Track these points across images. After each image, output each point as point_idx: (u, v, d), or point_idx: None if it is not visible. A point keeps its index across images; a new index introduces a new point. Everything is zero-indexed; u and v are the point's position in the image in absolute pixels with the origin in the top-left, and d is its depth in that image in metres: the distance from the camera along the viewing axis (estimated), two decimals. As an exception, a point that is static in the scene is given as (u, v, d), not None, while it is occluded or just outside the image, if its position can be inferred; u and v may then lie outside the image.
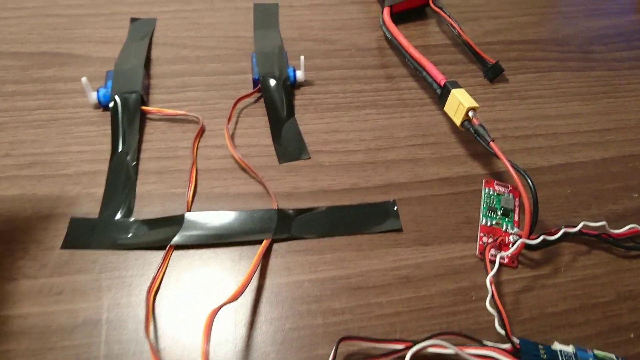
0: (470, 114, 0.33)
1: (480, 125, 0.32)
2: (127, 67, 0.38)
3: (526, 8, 0.45)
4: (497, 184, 0.34)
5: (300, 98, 0.38)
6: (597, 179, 0.35)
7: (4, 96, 0.37)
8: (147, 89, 0.38)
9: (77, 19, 0.43)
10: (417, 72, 0.38)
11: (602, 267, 0.31)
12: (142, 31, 0.42)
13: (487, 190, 0.34)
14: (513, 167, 0.30)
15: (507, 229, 0.32)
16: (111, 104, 0.36)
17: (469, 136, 0.35)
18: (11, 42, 0.41)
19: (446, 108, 0.35)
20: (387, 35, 0.40)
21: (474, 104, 0.33)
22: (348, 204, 0.33)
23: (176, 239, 0.30)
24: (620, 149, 0.36)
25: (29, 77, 0.39)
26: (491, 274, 0.28)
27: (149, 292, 0.28)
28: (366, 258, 0.30)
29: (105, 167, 0.34)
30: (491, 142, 0.31)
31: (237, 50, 0.41)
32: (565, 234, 0.30)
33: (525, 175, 0.30)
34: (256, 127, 0.37)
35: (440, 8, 0.41)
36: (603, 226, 0.30)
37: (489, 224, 0.32)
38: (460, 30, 0.40)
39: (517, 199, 0.33)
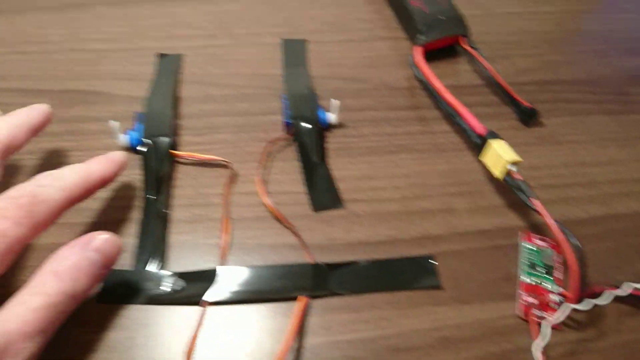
0: (512, 168, 0.32)
1: (523, 181, 0.31)
2: (157, 109, 0.37)
3: (559, 46, 0.45)
4: (536, 238, 0.33)
5: (332, 141, 0.38)
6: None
7: (30, 137, 0.37)
8: (176, 130, 0.37)
9: (103, 55, 0.42)
10: (452, 118, 0.37)
11: (650, 330, 0.30)
12: (170, 68, 0.41)
13: (525, 245, 0.33)
14: (559, 227, 0.29)
15: (548, 287, 0.31)
16: (142, 148, 0.35)
17: (506, 185, 0.34)
18: (35, 79, 0.40)
19: (484, 158, 0.34)
20: (419, 77, 0.39)
21: (516, 158, 0.32)
22: (385, 258, 0.32)
23: (210, 295, 0.30)
24: (661, 200, 0.36)
25: (55, 117, 0.37)
26: (542, 343, 0.27)
27: (188, 355, 0.27)
28: (405, 317, 0.30)
29: (136, 214, 0.33)
30: (534, 200, 0.31)
31: (266, 90, 0.40)
32: (614, 297, 0.29)
33: (571, 236, 0.29)
34: (288, 173, 0.36)
35: (473, 47, 0.40)
36: (651, 287, 0.30)
37: (529, 281, 0.31)
38: (494, 72, 0.39)
39: (558, 254, 0.32)
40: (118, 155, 0.31)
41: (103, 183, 0.30)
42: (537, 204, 0.30)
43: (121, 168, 0.31)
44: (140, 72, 0.41)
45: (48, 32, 0.44)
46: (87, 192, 0.29)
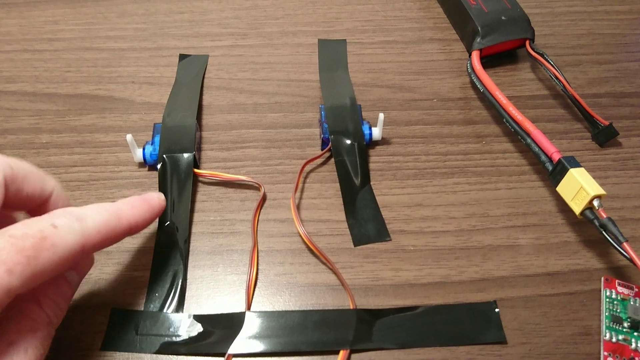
0: (596, 202, 0.27)
1: (609, 219, 0.26)
2: (177, 120, 0.32)
3: (636, 52, 0.39)
4: (619, 284, 0.28)
5: (376, 160, 0.33)
6: None
7: (37, 148, 0.33)
8: (199, 144, 0.33)
9: (119, 54, 0.38)
10: (516, 135, 0.32)
11: None
12: (193, 71, 0.37)
13: (608, 293, 0.28)
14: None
15: (637, 346, 0.26)
16: (159, 166, 0.31)
17: (582, 217, 0.29)
18: (46, 81, 0.36)
19: (560, 189, 0.29)
20: (479, 86, 0.34)
21: (601, 191, 0.27)
22: (440, 304, 0.27)
23: (236, 347, 0.25)
24: None
25: (66, 126, 0.34)
26: None
27: None
28: (464, 379, 0.25)
29: (151, 242, 0.29)
30: (624, 244, 0.25)
31: (301, 98, 0.36)
32: None
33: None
34: (326, 197, 0.31)
35: (542, 54, 0.35)
36: None
37: (614, 339, 0.26)
38: (566, 83, 0.34)
39: (646, 306, 0.27)
40: (156, 199, 0.26)
41: (132, 231, 0.24)
42: (627, 249, 0.25)
43: (157, 214, 0.26)
44: (160, 75, 0.37)
45: (61, 28, 0.39)
46: (110, 240, 0.23)
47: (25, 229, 0.20)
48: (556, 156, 0.29)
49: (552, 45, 0.39)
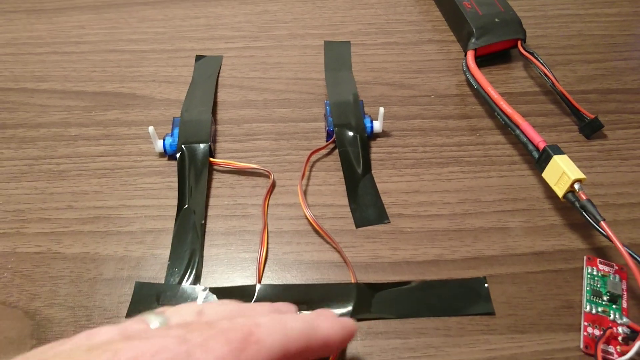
0: (576, 186, 0.29)
1: (589, 200, 0.29)
2: (194, 114, 0.35)
3: (624, 51, 0.41)
4: (600, 262, 0.30)
5: (376, 151, 0.35)
6: None
7: (67, 140, 0.36)
8: (214, 136, 0.36)
9: (141, 56, 0.41)
10: (507, 128, 0.34)
11: None
12: (208, 70, 0.40)
13: (589, 270, 0.30)
14: (629, 253, 0.26)
15: (615, 318, 0.28)
16: (178, 155, 0.33)
17: (566, 202, 0.31)
18: (74, 80, 0.39)
19: (545, 175, 0.31)
20: (473, 83, 0.37)
21: (581, 175, 0.29)
22: (434, 280, 0.30)
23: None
24: None
25: (92, 120, 0.37)
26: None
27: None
28: (455, 345, 0.27)
29: (170, 224, 0.32)
30: (602, 222, 0.28)
31: (308, 95, 0.38)
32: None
33: (646, 266, 0.26)
34: (330, 184, 0.34)
35: (532, 54, 0.38)
36: None
37: (593, 311, 0.28)
38: (554, 80, 0.36)
39: (625, 281, 0.30)
40: (350, 324, 0.23)
41: (326, 347, 0.22)
42: (605, 228, 0.28)
43: (349, 339, 0.23)
44: (178, 74, 0.40)
45: (87, 32, 0.43)
46: (305, 351, 0.21)
47: (231, 324, 0.20)
48: (541, 145, 0.32)
49: (544, 45, 0.42)
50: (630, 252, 0.27)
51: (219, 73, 0.40)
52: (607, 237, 0.27)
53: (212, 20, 0.44)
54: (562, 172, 0.30)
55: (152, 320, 0.21)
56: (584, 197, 0.29)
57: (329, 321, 0.22)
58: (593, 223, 0.28)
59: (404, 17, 0.44)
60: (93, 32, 0.43)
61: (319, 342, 0.22)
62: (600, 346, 0.27)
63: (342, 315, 0.28)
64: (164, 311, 0.22)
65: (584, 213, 0.29)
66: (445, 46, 0.42)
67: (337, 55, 0.41)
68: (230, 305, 0.23)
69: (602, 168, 0.35)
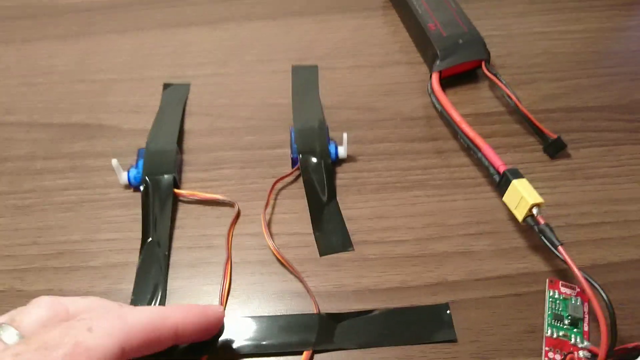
0: (535, 210, 0.29)
1: (547, 225, 0.29)
2: (160, 145, 0.36)
3: (589, 68, 0.42)
4: (562, 285, 0.30)
5: (342, 177, 0.36)
6: (678, 280, 0.31)
7: (32, 174, 0.36)
8: (179, 166, 0.36)
9: (108, 85, 0.41)
10: (471, 151, 0.34)
11: (690, 393, 0.27)
12: (175, 98, 0.40)
13: (551, 293, 0.30)
14: (585, 278, 0.27)
15: (576, 342, 0.28)
16: (142, 187, 0.33)
17: (530, 225, 0.32)
18: (41, 112, 0.39)
19: (505, 199, 0.31)
20: (437, 106, 0.37)
21: (539, 200, 0.29)
22: (396, 307, 0.30)
23: (208, 351, 0.28)
24: (703, 242, 0.32)
25: (59, 152, 0.37)
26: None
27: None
28: (417, 375, 0.27)
29: (135, 257, 0.32)
30: (559, 247, 0.28)
31: (274, 121, 0.39)
32: (646, 356, 0.26)
33: (601, 291, 0.26)
34: (295, 212, 0.34)
35: (495, 75, 0.38)
36: (691, 346, 0.26)
37: (554, 335, 0.29)
38: (517, 101, 0.37)
39: (586, 304, 0.30)
40: (214, 310, 0.25)
41: (180, 336, 0.23)
42: (561, 251, 0.28)
43: (213, 325, 0.25)
44: (146, 104, 0.40)
45: (56, 62, 0.43)
46: (154, 342, 0.22)
47: (60, 337, 0.20)
48: (502, 168, 0.32)
49: (509, 64, 0.42)
50: (586, 276, 0.27)
51: (186, 101, 0.40)
52: (565, 262, 0.28)
53: (180, 47, 0.44)
54: (521, 197, 0.30)
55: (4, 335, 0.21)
56: (542, 222, 0.29)
57: (181, 309, 0.24)
58: (551, 247, 0.28)
59: (371, 39, 0.44)
60: (62, 62, 0.43)
61: (168, 331, 0.23)
62: (560, 372, 0.27)
63: (303, 345, 0.28)
64: (15, 319, 0.22)
65: (542, 237, 0.29)
66: (413, 67, 0.42)
67: (304, 80, 0.41)
68: (86, 302, 0.23)
69: (566, 188, 0.35)
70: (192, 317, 0.24)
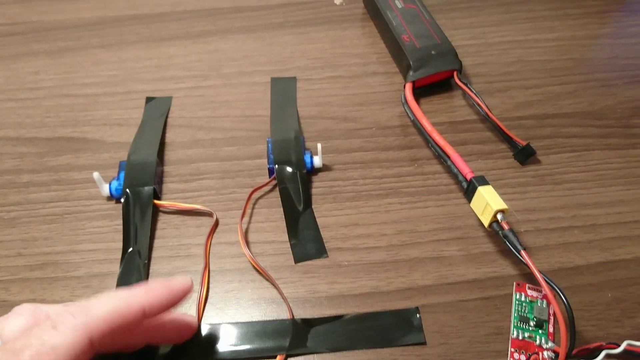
0: (499, 216, 0.30)
1: (510, 230, 0.30)
2: (140, 158, 0.37)
3: (561, 76, 0.43)
4: (529, 288, 0.31)
5: (318, 185, 0.37)
6: (642, 282, 0.32)
7: (18, 187, 0.37)
8: (160, 177, 0.37)
9: (93, 99, 0.42)
10: (441, 159, 0.36)
11: (650, 391, 0.28)
12: (158, 112, 0.41)
13: (518, 296, 0.31)
14: (546, 281, 0.28)
15: (541, 343, 0.29)
16: (123, 199, 0.35)
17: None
18: (28, 127, 0.40)
19: (473, 205, 0.32)
20: (410, 115, 0.38)
21: (503, 206, 0.30)
22: (367, 312, 0.31)
23: (187, 354, 0.29)
24: (668, 244, 0.33)
25: (44, 166, 0.38)
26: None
27: None
28: (387, 377, 0.28)
29: (116, 267, 0.33)
30: (522, 251, 0.29)
31: (254, 132, 0.40)
32: (607, 355, 0.27)
33: (561, 294, 0.27)
34: (272, 220, 0.35)
35: (466, 84, 0.39)
36: (650, 346, 0.27)
37: (520, 337, 0.29)
38: (486, 109, 0.38)
39: (551, 306, 0.31)
40: (179, 282, 0.26)
41: (148, 314, 0.24)
42: (524, 255, 0.29)
43: (178, 296, 0.26)
44: (130, 117, 0.41)
45: (42, 78, 0.44)
46: (122, 326, 0.23)
47: (25, 339, 0.21)
48: (469, 176, 0.33)
49: (483, 73, 0.43)
50: (547, 279, 0.28)
51: (167, 114, 0.41)
52: (527, 266, 0.28)
53: (164, 60, 0.45)
54: (486, 203, 0.31)
55: None
56: (506, 227, 0.30)
57: (145, 289, 0.24)
58: (515, 252, 0.29)
59: (350, 50, 0.45)
60: (48, 77, 0.44)
61: (135, 314, 0.23)
62: (524, 372, 0.28)
63: (277, 350, 0.29)
64: None
65: (506, 242, 0.30)
66: (389, 78, 0.43)
67: (283, 92, 0.42)
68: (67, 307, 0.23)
69: (535, 193, 0.36)
70: (157, 293, 0.25)
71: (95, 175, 0.34)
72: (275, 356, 0.29)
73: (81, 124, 0.41)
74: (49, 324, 0.21)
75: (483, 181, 0.32)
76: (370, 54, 0.45)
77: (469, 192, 0.33)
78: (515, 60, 0.44)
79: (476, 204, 0.32)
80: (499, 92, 0.42)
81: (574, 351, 0.28)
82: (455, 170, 0.34)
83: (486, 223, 0.31)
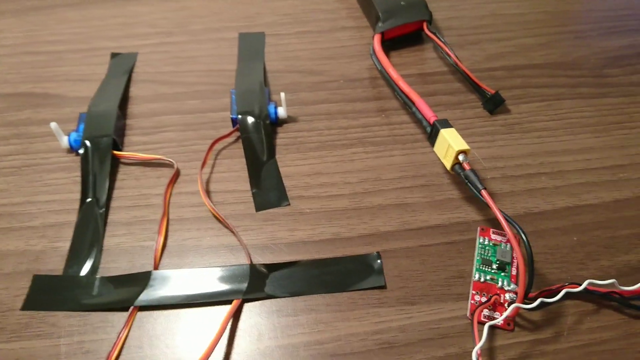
0: (461, 157, 0.30)
1: (472, 170, 0.29)
2: (101, 110, 0.36)
3: (533, 28, 0.42)
4: (493, 233, 0.31)
5: (282, 137, 0.36)
6: (608, 225, 0.31)
7: (-24, 142, 0.36)
8: (122, 130, 0.36)
9: (57, 56, 0.41)
10: (407, 107, 0.35)
11: (611, 330, 0.27)
12: (122, 67, 0.40)
13: (482, 240, 0.30)
14: (506, 219, 0.27)
15: (502, 285, 0.29)
16: (81, 150, 0.34)
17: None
18: (-12, 83, 0.40)
19: (436, 148, 0.32)
20: (377, 65, 0.37)
21: (465, 147, 0.30)
22: (327, 257, 0.30)
23: (140, 300, 0.28)
24: (635, 189, 0.33)
25: (3, 120, 0.37)
26: (479, 345, 0.25)
27: (105, 363, 0.26)
28: (345, 320, 0.28)
29: (74, 217, 0.32)
30: (482, 191, 0.28)
31: (219, 86, 0.39)
32: (567, 294, 0.27)
33: (520, 230, 0.27)
34: (234, 171, 0.34)
35: (435, 34, 0.38)
36: (612, 284, 0.27)
37: (482, 279, 0.29)
38: (456, 59, 0.37)
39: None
40: None
41: None
42: (486, 196, 0.28)
43: None
44: (93, 73, 0.40)
45: (6, 36, 0.43)
46: None
47: None
48: (432, 119, 0.32)
49: (455, 26, 0.42)
50: (506, 217, 0.27)
51: (132, 69, 0.40)
52: (488, 205, 0.28)
53: (130, 18, 0.44)
54: (448, 145, 0.30)
55: None
56: (468, 168, 0.29)
57: None
58: (475, 192, 0.29)
59: (320, 6, 0.45)
60: (12, 35, 0.43)
61: None
62: (482, 311, 0.27)
63: (234, 295, 0.28)
64: None
65: (467, 183, 0.29)
66: (359, 32, 0.42)
67: (251, 47, 0.41)
68: None
69: (503, 142, 0.35)
70: None
71: (53, 125, 0.34)
72: (232, 301, 0.28)
73: (43, 80, 0.40)
74: None
75: (446, 124, 0.31)
76: (340, 9, 0.44)
77: (432, 136, 0.32)
78: (488, 14, 0.43)
79: (439, 147, 0.31)
80: (470, 44, 0.41)
81: (537, 292, 0.27)
82: (420, 115, 0.33)
83: (448, 166, 0.30)
